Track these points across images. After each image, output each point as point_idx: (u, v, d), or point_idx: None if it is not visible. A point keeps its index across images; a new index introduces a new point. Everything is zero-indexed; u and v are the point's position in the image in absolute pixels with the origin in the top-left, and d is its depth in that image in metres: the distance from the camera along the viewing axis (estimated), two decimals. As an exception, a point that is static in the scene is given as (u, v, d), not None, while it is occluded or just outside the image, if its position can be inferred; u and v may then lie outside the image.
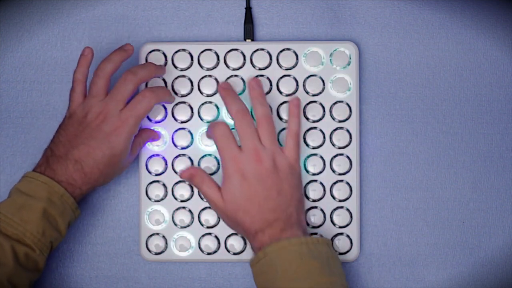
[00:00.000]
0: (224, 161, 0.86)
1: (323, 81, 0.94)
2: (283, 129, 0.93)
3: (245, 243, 0.94)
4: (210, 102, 0.94)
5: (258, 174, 0.85)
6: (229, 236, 0.94)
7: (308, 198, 0.94)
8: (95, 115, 0.87)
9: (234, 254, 0.94)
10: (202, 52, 0.94)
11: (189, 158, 0.94)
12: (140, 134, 0.92)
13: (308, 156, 0.94)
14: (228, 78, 0.94)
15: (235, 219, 0.86)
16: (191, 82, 0.94)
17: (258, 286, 0.85)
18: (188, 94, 0.94)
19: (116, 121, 0.87)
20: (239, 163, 0.86)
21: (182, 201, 0.94)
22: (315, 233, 0.93)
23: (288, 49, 0.94)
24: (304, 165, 0.94)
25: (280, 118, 0.94)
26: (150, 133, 0.93)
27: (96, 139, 0.86)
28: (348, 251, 0.94)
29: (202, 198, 0.94)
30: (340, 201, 0.94)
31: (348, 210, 0.94)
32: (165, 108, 0.94)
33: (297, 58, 0.94)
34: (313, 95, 0.94)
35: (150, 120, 0.94)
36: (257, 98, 0.89)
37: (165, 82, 0.94)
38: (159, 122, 0.94)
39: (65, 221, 0.87)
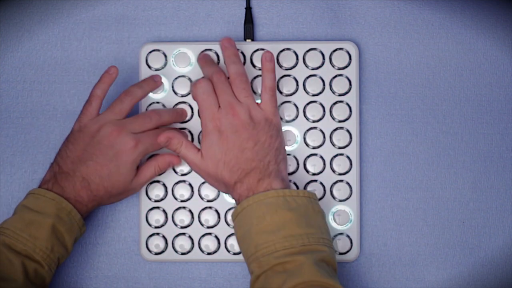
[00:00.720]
0: (204, 119, 0.87)
1: (323, 81, 0.94)
2: (286, 128, 0.93)
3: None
4: (210, 102, 0.94)
5: (234, 127, 0.86)
6: (229, 236, 0.94)
7: (308, 198, 0.94)
8: (109, 131, 0.87)
9: (234, 254, 0.94)
10: (202, 52, 0.94)
11: (189, 158, 0.94)
12: (156, 158, 0.92)
13: (308, 156, 0.94)
14: (228, 78, 0.94)
15: (216, 175, 0.87)
16: (191, 82, 0.94)
17: (237, 240, 0.85)
18: (188, 94, 0.94)
19: (129, 141, 0.87)
20: (216, 120, 0.87)
21: (182, 201, 0.94)
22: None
23: (288, 49, 0.94)
24: (304, 165, 0.94)
25: (281, 118, 0.94)
26: (168, 158, 0.92)
27: (105, 156, 0.87)
28: (348, 251, 0.94)
29: (202, 198, 0.94)
30: (340, 201, 0.94)
31: (348, 210, 0.94)
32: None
33: (297, 58, 0.94)
34: (313, 95, 0.94)
35: (150, 120, 0.94)
36: (230, 57, 0.90)
37: (165, 82, 0.94)
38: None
39: (71, 237, 0.87)
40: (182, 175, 0.94)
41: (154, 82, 0.92)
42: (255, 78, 0.94)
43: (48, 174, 0.88)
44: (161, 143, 0.89)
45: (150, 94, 0.94)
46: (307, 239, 0.81)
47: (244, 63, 0.94)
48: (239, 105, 0.87)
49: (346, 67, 0.94)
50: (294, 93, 0.94)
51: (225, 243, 0.94)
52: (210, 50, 0.94)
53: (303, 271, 0.79)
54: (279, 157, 0.87)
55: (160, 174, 0.93)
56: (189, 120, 0.94)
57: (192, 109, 0.94)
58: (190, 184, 0.94)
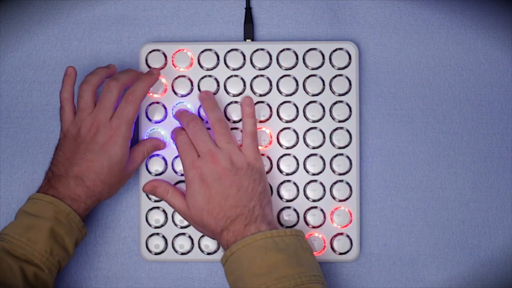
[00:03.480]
0: (185, 168, 0.88)
1: (323, 81, 0.94)
2: (282, 129, 0.93)
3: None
4: (210, 102, 0.94)
5: (216, 174, 0.86)
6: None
7: (308, 198, 0.94)
8: (87, 129, 0.88)
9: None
10: (202, 52, 0.94)
11: (189, 158, 0.94)
12: (144, 143, 0.92)
13: (308, 156, 0.94)
14: (228, 78, 0.94)
15: (202, 223, 0.87)
16: (191, 82, 0.94)
17: (230, 284, 0.85)
18: (188, 94, 0.94)
19: (108, 131, 0.87)
20: (197, 168, 0.87)
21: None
22: (315, 233, 0.93)
23: (288, 49, 0.94)
24: (304, 165, 0.94)
25: (280, 118, 0.94)
26: (155, 142, 0.93)
27: (93, 152, 0.87)
28: (348, 251, 0.94)
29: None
30: (340, 201, 0.94)
31: (348, 210, 0.94)
32: (165, 108, 0.94)
33: (297, 58, 0.94)
34: (313, 95, 0.94)
35: (150, 120, 0.94)
36: (209, 106, 0.91)
37: (166, 82, 0.94)
38: (159, 122, 0.94)
39: (72, 240, 0.87)
40: (182, 175, 0.94)
41: (108, 69, 0.91)
42: (254, 78, 0.94)
43: (43, 181, 0.89)
44: (147, 192, 0.91)
45: (150, 94, 0.94)
46: (300, 278, 0.81)
47: (244, 63, 0.94)
48: (219, 151, 0.87)
49: (346, 67, 0.94)
50: (294, 93, 0.94)
51: (225, 243, 0.94)
52: (210, 50, 0.94)
53: None
54: (263, 201, 0.87)
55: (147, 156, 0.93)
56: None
57: (192, 109, 0.94)
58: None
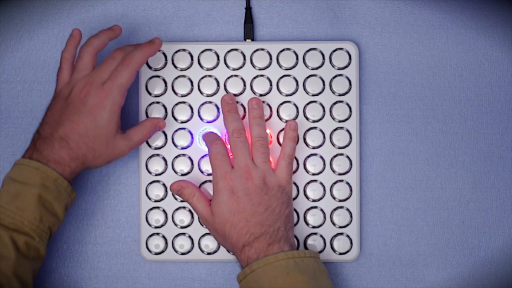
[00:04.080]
0: (216, 178, 0.88)
1: (323, 81, 0.94)
2: (282, 129, 0.93)
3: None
4: (210, 102, 0.94)
5: (247, 190, 0.87)
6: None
7: (308, 198, 0.94)
8: (79, 89, 0.87)
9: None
10: (202, 52, 0.94)
11: (189, 158, 0.94)
12: (143, 122, 0.91)
13: (308, 156, 0.94)
14: (228, 78, 0.94)
15: (223, 233, 0.87)
16: (191, 82, 0.94)
17: None
18: (188, 94, 0.94)
19: (100, 93, 0.86)
20: (229, 180, 0.87)
21: (182, 200, 0.94)
22: (315, 233, 0.93)
23: (288, 49, 0.94)
24: (304, 165, 0.94)
25: (280, 118, 0.94)
26: (154, 121, 0.91)
27: (80, 113, 0.86)
28: (348, 251, 0.94)
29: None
30: (340, 201, 0.94)
31: (348, 210, 0.94)
32: (165, 108, 0.94)
33: (297, 58, 0.94)
34: (313, 95, 0.94)
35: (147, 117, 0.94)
36: (255, 119, 0.91)
37: (165, 82, 0.94)
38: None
39: (61, 205, 0.86)
40: (182, 175, 0.94)
41: (112, 31, 0.90)
42: (254, 78, 0.94)
43: (30, 143, 0.87)
44: (173, 191, 0.91)
45: (150, 94, 0.94)
46: None
47: (244, 63, 0.94)
48: (255, 169, 0.88)
49: (346, 67, 0.94)
50: (294, 93, 0.94)
51: (225, 243, 0.94)
52: (210, 50, 0.94)
53: None
54: (288, 224, 0.88)
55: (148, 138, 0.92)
56: (189, 120, 0.94)
57: (192, 109, 0.94)
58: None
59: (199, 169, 0.94)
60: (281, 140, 0.93)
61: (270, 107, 0.93)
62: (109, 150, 0.88)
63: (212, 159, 0.89)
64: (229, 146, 0.90)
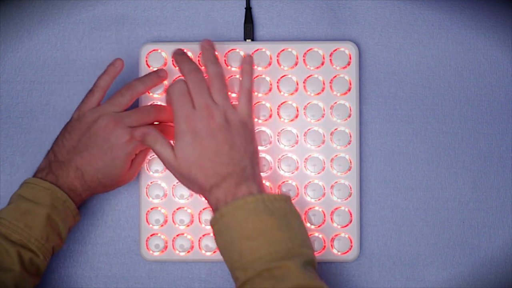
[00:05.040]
0: (177, 119, 0.86)
1: (323, 81, 0.94)
2: (282, 129, 0.93)
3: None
4: (210, 102, 0.94)
5: (210, 130, 0.85)
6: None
7: (308, 198, 0.94)
8: (105, 123, 0.87)
9: (234, 254, 0.94)
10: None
11: (189, 158, 0.94)
12: (139, 153, 0.92)
13: (308, 156, 0.94)
14: (228, 78, 0.94)
15: (189, 176, 0.85)
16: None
17: (218, 247, 0.84)
18: (188, 94, 0.94)
19: (124, 135, 0.87)
20: (191, 121, 0.85)
21: (182, 201, 0.94)
22: (315, 233, 0.93)
23: (288, 49, 0.94)
24: (304, 165, 0.94)
25: (280, 118, 0.94)
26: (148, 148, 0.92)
27: (100, 147, 0.87)
28: (348, 251, 0.94)
29: (202, 198, 0.94)
30: (340, 201, 0.94)
31: (348, 210, 0.94)
32: (165, 108, 0.94)
33: (297, 58, 0.94)
34: (313, 95, 0.94)
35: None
36: (209, 58, 0.89)
37: (165, 82, 0.94)
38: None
39: (66, 226, 0.87)
40: (182, 175, 0.94)
41: (158, 77, 0.91)
42: (254, 78, 0.94)
43: (43, 162, 0.88)
44: (137, 139, 0.88)
45: (151, 93, 0.94)
46: (291, 242, 0.81)
47: (244, 63, 0.94)
48: (215, 107, 0.86)
49: (346, 67, 0.94)
50: (294, 93, 0.94)
51: (225, 243, 0.94)
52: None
53: (291, 276, 0.78)
54: (254, 161, 0.87)
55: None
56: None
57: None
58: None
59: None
60: (281, 140, 0.93)
61: (270, 107, 0.93)
62: (117, 185, 0.91)
63: (172, 99, 0.86)
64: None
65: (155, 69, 0.94)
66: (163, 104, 0.92)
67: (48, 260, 0.86)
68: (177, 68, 0.90)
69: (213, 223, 0.84)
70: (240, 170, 0.85)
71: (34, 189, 0.86)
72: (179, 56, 0.90)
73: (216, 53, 0.91)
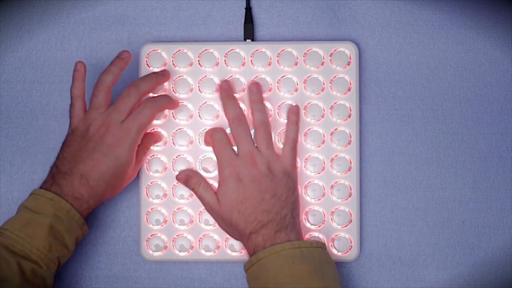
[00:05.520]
0: (221, 165, 0.88)
1: (323, 81, 0.94)
2: (282, 129, 0.93)
3: (245, 243, 0.94)
4: (210, 102, 0.94)
5: (253, 177, 0.86)
6: (229, 236, 0.94)
7: (308, 198, 0.94)
8: (96, 127, 0.87)
9: (234, 254, 0.94)
10: (202, 52, 0.94)
11: (189, 158, 0.94)
12: (142, 141, 0.91)
13: (308, 156, 0.94)
14: (228, 78, 0.94)
15: (230, 222, 0.87)
16: (191, 82, 0.94)
17: None
18: (188, 94, 0.94)
19: (119, 132, 0.87)
20: (235, 167, 0.87)
21: (182, 201, 0.94)
22: (315, 233, 0.93)
23: (288, 49, 0.94)
24: (304, 165, 0.94)
25: (280, 118, 0.94)
26: (151, 137, 0.93)
27: (99, 151, 0.87)
28: (348, 251, 0.94)
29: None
30: (340, 201, 0.94)
31: (348, 210, 0.94)
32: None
33: (297, 58, 0.94)
34: (313, 95, 0.94)
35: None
36: (256, 103, 0.90)
37: (166, 82, 0.94)
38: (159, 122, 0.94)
39: (72, 237, 0.87)
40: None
41: (121, 60, 0.90)
42: (254, 78, 0.94)
43: (48, 176, 0.88)
44: (179, 181, 0.91)
45: (150, 94, 0.94)
46: None
47: (244, 63, 0.94)
48: (259, 155, 0.88)
49: (346, 67, 0.94)
50: (294, 93, 0.94)
51: (225, 243, 0.94)
52: (210, 50, 0.94)
53: None
54: (295, 211, 0.88)
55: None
56: (188, 120, 0.94)
57: (192, 109, 0.94)
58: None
59: (199, 169, 0.94)
60: (281, 140, 0.93)
61: (270, 107, 0.93)
62: (125, 182, 0.91)
63: (215, 147, 0.89)
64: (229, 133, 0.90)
65: (155, 69, 0.94)
66: (139, 78, 0.91)
67: (54, 271, 0.86)
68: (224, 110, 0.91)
69: (247, 266, 0.85)
70: (280, 218, 0.86)
71: (38, 199, 0.86)
72: (225, 95, 0.91)
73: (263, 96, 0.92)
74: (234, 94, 0.92)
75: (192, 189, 0.90)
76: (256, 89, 0.91)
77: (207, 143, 0.92)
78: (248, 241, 0.86)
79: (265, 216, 0.85)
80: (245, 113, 0.92)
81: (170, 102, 0.92)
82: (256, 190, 0.86)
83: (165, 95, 0.92)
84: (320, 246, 0.86)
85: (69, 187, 0.86)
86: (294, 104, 0.92)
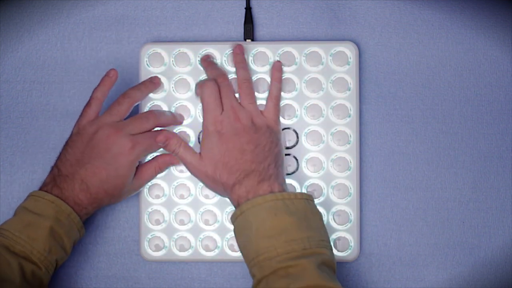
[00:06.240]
0: (206, 121, 0.88)
1: (323, 81, 0.94)
2: (284, 128, 0.93)
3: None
4: (210, 102, 0.94)
5: (235, 130, 0.87)
6: (229, 236, 0.94)
7: (308, 198, 0.94)
8: (106, 134, 0.87)
9: (234, 254, 0.94)
10: (202, 52, 0.94)
11: (189, 158, 0.94)
12: (156, 159, 0.92)
13: (308, 156, 0.94)
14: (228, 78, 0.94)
15: (214, 176, 0.87)
16: (191, 82, 0.94)
17: (238, 244, 0.85)
18: (188, 94, 0.94)
19: (127, 143, 0.87)
20: (218, 123, 0.88)
21: (182, 201, 0.94)
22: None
23: (288, 49, 0.94)
24: (304, 165, 0.94)
25: (282, 117, 0.94)
26: (167, 159, 0.92)
27: (103, 159, 0.87)
28: (348, 251, 0.94)
29: (202, 198, 0.94)
30: (340, 201, 0.94)
31: (348, 210, 0.94)
32: (165, 108, 0.94)
33: (297, 58, 0.94)
34: (313, 95, 0.94)
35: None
36: (239, 63, 0.92)
37: (165, 82, 0.94)
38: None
39: (70, 240, 0.87)
40: (181, 172, 0.94)
41: (152, 84, 0.93)
42: (254, 78, 0.94)
43: (48, 177, 0.88)
44: (159, 143, 0.89)
45: (150, 94, 0.94)
46: (308, 242, 0.81)
47: (244, 63, 0.94)
48: (242, 110, 0.88)
49: (346, 67, 0.94)
50: (294, 93, 0.94)
51: (225, 243, 0.94)
52: (210, 50, 0.94)
53: (306, 275, 0.79)
54: (278, 161, 0.88)
55: (159, 173, 0.93)
56: (188, 121, 0.94)
57: (192, 109, 0.94)
58: (190, 184, 0.94)
59: (199, 169, 0.94)
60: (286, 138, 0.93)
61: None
62: (124, 195, 0.90)
63: (203, 101, 0.89)
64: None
65: (155, 69, 0.94)
66: (161, 110, 0.93)
67: (51, 273, 0.86)
68: (205, 73, 0.92)
69: (233, 219, 0.85)
70: (263, 168, 0.86)
71: (39, 201, 0.86)
72: (207, 62, 0.92)
73: (246, 57, 0.93)
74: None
75: (173, 151, 0.89)
76: (239, 50, 0.92)
77: (197, 94, 0.92)
78: (232, 193, 0.86)
79: (248, 166, 0.86)
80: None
81: (175, 123, 0.93)
82: (239, 142, 0.86)
83: (178, 119, 0.93)
84: (306, 198, 0.85)
85: (70, 192, 0.86)
86: (277, 61, 0.93)
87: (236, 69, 0.92)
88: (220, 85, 0.89)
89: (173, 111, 0.94)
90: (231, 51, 0.92)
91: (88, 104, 0.90)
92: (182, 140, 0.90)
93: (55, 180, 0.87)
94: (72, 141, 0.89)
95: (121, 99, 0.90)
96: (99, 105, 0.90)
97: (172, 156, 0.92)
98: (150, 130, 0.90)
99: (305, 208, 0.84)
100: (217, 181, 0.87)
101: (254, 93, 0.90)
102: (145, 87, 0.92)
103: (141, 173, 0.91)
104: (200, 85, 0.90)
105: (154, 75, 0.94)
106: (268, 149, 0.87)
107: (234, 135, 0.87)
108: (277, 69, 0.92)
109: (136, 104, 0.91)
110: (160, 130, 0.91)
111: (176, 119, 0.93)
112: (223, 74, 0.91)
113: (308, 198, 0.85)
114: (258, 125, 0.88)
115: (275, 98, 0.91)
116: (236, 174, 0.86)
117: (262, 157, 0.86)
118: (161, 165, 0.92)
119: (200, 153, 0.88)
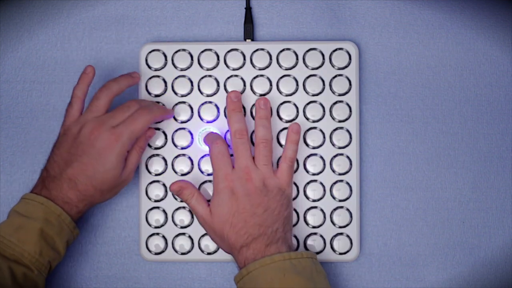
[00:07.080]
0: (217, 178, 0.88)
1: (323, 81, 0.94)
2: (282, 129, 0.93)
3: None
4: (210, 102, 0.94)
5: (247, 191, 0.87)
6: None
7: (308, 198, 0.94)
8: (89, 130, 0.87)
9: (234, 254, 0.94)
10: (202, 52, 0.94)
11: (189, 158, 0.94)
12: (136, 142, 0.91)
13: (308, 156, 0.94)
14: (228, 78, 0.94)
15: (222, 234, 0.87)
16: (191, 82, 0.94)
17: None
18: (188, 94, 0.94)
19: (110, 136, 0.87)
20: (230, 181, 0.87)
21: (182, 201, 0.94)
22: (315, 233, 0.93)
23: (288, 49, 0.94)
24: (304, 165, 0.94)
25: (280, 118, 0.94)
26: (143, 136, 0.91)
27: (89, 155, 0.86)
28: (348, 251, 0.94)
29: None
30: (340, 201, 0.94)
31: (348, 210, 0.94)
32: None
33: (297, 58, 0.94)
34: (313, 95, 0.94)
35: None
36: (261, 119, 0.91)
37: (165, 82, 0.94)
38: (159, 122, 0.94)
39: (63, 240, 0.87)
40: (182, 175, 0.94)
41: (131, 78, 0.91)
42: (254, 78, 0.94)
43: (38, 180, 0.88)
44: (173, 192, 0.90)
45: (150, 94, 0.94)
46: None
47: (244, 63, 0.94)
48: (255, 171, 0.88)
49: (346, 67, 0.94)
50: (294, 93, 0.94)
51: (225, 243, 0.94)
52: (210, 50, 0.94)
53: None
54: (287, 225, 0.88)
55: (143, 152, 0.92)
56: (189, 120, 0.94)
57: (192, 109, 0.94)
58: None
59: (199, 169, 0.94)
60: (281, 141, 0.93)
61: (270, 107, 0.93)
62: (116, 188, 0.90)
63: (213, 159, 0.89)
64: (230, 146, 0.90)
65: (155, 68, 0.94)
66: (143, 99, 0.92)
67: (45, 275, 0.86)
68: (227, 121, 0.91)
69: (238, 279, 0.85)
70: (271, 232, 0.86)
71: (28, 204, 0.86)
72: (233, 113, 0.91)
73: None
74: (241, 106, 0.92)
75: (185, 201, 0.90)
76: (263, 105, 0.91)
77: (205, 143, 0.92)
78: (238, 255, 0.86)
79: (256, 229, 0.85)
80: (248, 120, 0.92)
81: (164, 112, 0.92)
82: (249, 204, 0.86)
83: (161, 105, 0.92)
84: (311, 257, 0.86)
85: (58, 191, 0.86)
86: (296, 122, 0.92)
87: (256, 125, 0.90)
88: (236, 142, 0.89)
89: (173, 111, 0.94)
90: (256, 103, 0.91)
91: (69, 104, 0.90)
92: (195, 190, 0.90)
93: (43, 182, 0.87)
94: (59, 142, 0.89)
95: (99, 94, 0.89)
96: (80, 103, 0.89)
97: (149, 129, 0.91)
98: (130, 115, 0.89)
99: (310, 267, 0.84)
100: (224, 240, 0.87)
101: (271, 155, 0.89)
102: (123, 80, 0.90)
103: (127, 162, 0.90)
104: (209, 141, 0.90)
105: (153, 74, 0.94)
106: (278, 213, 0.87)
107: (245, 195, 0.86)
108: (294, 131, 0.91)
109: (115, 96, 0.90)
110: (176, 181, 0.90)
111: (162, 111, 0.91)
112: (243, 129, 0.89)
113: (312, 257, 0.86)
114: (269, 188, 0.88)
115: (289, 160, 0.90)
116: (244, 237, 0.85)
117: (270, 221, 0.86)
118: (141, 143, 0.91)
119: (209, 209, 0.88)
